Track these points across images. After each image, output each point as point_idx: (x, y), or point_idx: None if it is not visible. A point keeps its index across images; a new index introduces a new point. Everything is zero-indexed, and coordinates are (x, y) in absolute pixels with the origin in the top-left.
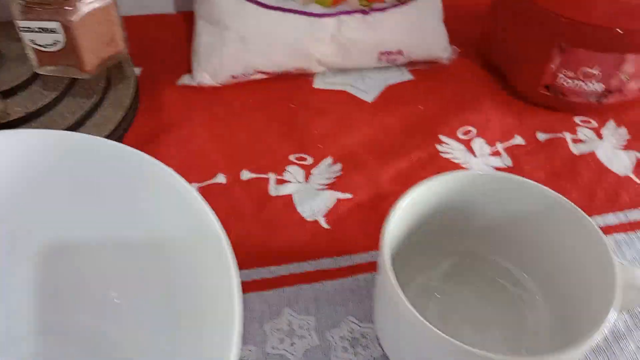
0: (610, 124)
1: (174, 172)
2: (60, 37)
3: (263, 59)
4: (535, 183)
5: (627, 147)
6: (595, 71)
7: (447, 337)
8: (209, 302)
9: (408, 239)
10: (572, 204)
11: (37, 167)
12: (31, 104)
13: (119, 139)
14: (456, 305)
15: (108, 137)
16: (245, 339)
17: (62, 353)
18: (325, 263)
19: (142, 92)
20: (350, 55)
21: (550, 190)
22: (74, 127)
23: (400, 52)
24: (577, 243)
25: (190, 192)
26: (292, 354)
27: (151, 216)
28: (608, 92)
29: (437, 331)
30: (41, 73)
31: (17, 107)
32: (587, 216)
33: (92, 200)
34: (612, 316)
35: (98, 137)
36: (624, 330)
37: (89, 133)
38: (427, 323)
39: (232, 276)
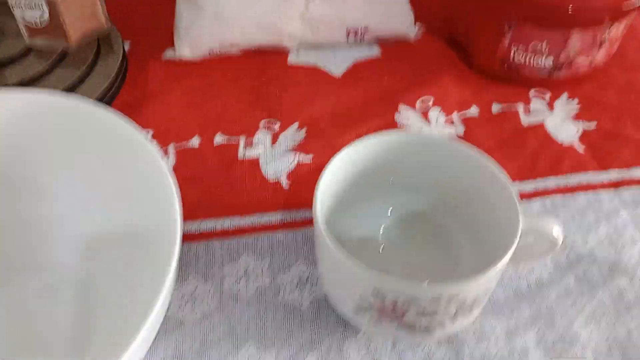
0: (563, 97)
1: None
2: (45, 13)
3: (237, 35)
4: (453, 141)
5: (576, 118)
6: (543, 46)
7: (362, 266)
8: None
9: (346, 196)
10: (485, 156)
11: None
12: (25, 74)
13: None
14: (392, 254)
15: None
16: (205, 279)
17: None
18: (282, 216)
19: (131, 64)
20: (319, 31)
21: (463, 145)
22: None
23: (366, 29)
24: (491, 191)
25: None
26: (246, 292)
27: (107, 160)
28: (558, 66)
29: (356, 262)
30: (30, 45)
31: (13, 76)
32: (496, 168)
33: (56, 146)
34: (509, 254)
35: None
36: (546, 279)
37: None
38: (345, 253)
39: (175, 206)
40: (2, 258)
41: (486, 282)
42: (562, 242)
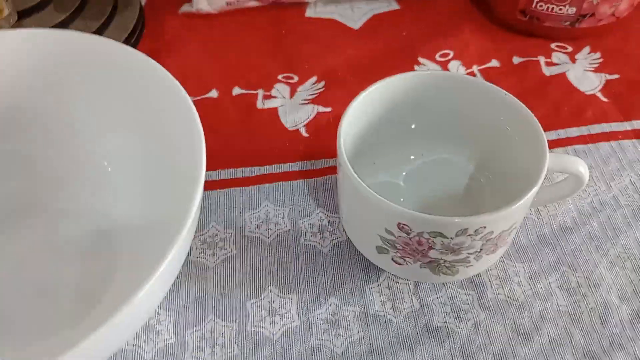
0: (585, 50)
1: (161, 68)
2: None
3: None
4: (476, 78)
5: (597, 70)
6: None
7: (388, 201)
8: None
9: (367, 140)
10: (511, 96)
11: (44, 61)
12: (44, 24)
13: None
14: (414, 202)
15: None
16: (227, 224)
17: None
18: (302, 165)
19: (148, 19)
20: None
21: (489, 83)
22: None
23: None
24: (517, 130)
25: (172, 81)
26: (267, 237)
27: (140, 101)
28: (581, 16)
29: (381, 198)
30: None
31: (31, 25)
32: (523, 105)
33: (92, 88)
34: (536, 188)
35: (94, 36)
36: (570, 225)
37: None
38: (372, 192)
39: (201, 141)
40: (25, 199)
41: (512, 216)
42: (583, 188)
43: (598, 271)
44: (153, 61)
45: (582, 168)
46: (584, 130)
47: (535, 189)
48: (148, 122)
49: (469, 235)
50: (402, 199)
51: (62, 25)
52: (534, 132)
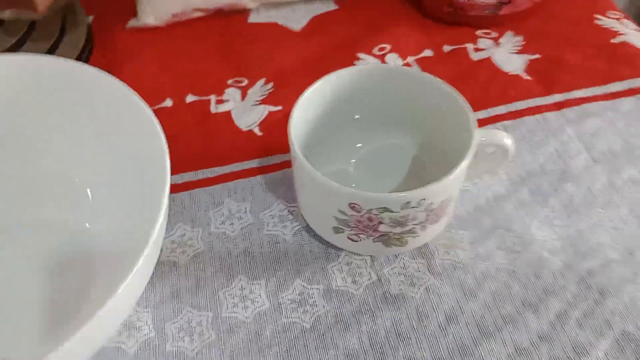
0: (508, 34)
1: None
2: None
3: None
4: (411, 69)
5: (520, 52)
6: None
7: (339, 185)
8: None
9: (317, 132)
10: (443, 81)
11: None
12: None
13: None
14: (364, 182)
15: None
16: (194, 223)
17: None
18: (259, 162)
19: (96, 36)
20: None
21: (423, 72)
22: None
23: None
24: (449, 111)
25: (132, 96)
26: (232, 232)
27: (105, 119)
28: (501, 3)
29: (333, 183)
30: (2, 17)
31: None
32: (454, 89)
33: (56, 111)
34: (468, 159)
35: (58, 57)
36: (503, 193)
37: None
38: (325, 177)
39: (165, 158)
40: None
41: (449, 187)
42: (513, 160)
43: (530, 231)
44: (113, 77)
45: (507, 140)
46: (510, 107)
47: (466, 162)
48: (113, 137)
49: (413, 207)
50: (353, 185)
51: (13, 48)
52: (463, 113)
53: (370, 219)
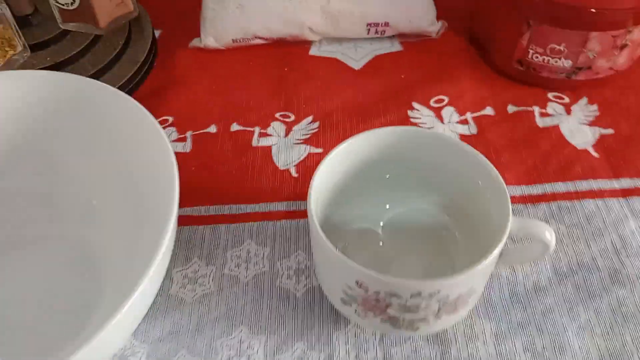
0: (583, 101)
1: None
2: None
3: (260, 26)
4: (449, 137)
5: (592, 124)
6: (562, 47)
7: (345, 258)
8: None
9: (345, 190)
10: (481, 155)
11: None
12: (58, 56)
13: (133, 89)
14: (392, 249)
15: (121, 87)
16: (209, 260)
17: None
18: (287, 205)
19: (160, 51)
20: (339, 25)
21: (461, 142)
22: (93, 78)
23: (387, 24)
24: (486, 190)
25: (146, 115)
26: (245, 277)
27: (117, 137)
28: (577, 68)
29: (339, 255)
30: (64, 28)
31: (48, 58)
32: (492, 167)
33: (73, 128)
34: (492, 256)
35: (76, 75)
36: (544, 284)
37: (106, 83)
38: (335, 250)
39: (174, 177)
40: (18, 229)
41: (468, 282)
42: (562, 248)
43: (566, 336)
44: (137, 103)
45: (547, 234)
46: (570, 186)
47: (490, 258)
48: (127, 161)
49: (423, 297)
50: (380, 243)
51: (75, 57)
52: (501, 195)
53: (377, 300)
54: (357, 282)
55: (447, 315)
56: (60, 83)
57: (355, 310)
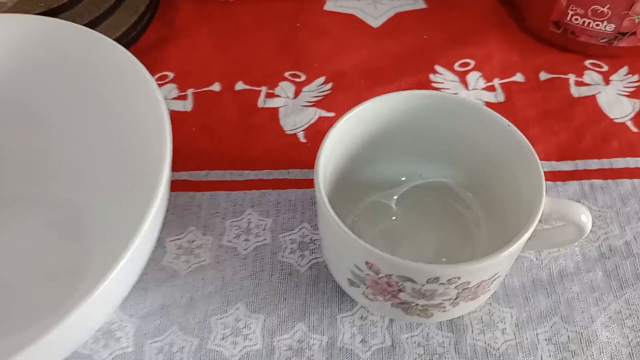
0: (622, 70)
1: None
2: None
3: None
4: (478, 104)
5: (632, 95)
6: (605, 9)
7: (356, 238)
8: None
9: (358, 158)
10: (512, 125)
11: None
12: (52, 2)
13: (131, 42)
14: (404, 227)
15: (119, 39)
16: (205, 230)
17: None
18: (294, 173)
19: (162, 0)
20: None
21: (490, 109)
22: (89, 27)
23: None
24: (516, 166)
25: (148, 80)
26: (244, 249)
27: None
28: (620, 33)
29: (349, 233)
30: None
31: (39, 3)
32: (523, 137)
33: (61, 75)
34: (522, 241)
35: (63, 21)
36: (571, 270)
37: (102, 33)
38: (345, 228)
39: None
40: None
41: (492, 268)
42: (593, 230)
43: (594, 327)
44: (132, 57)
45: (584, 217)
46: (605, 163)
47: (519, 243)
48: (117, 117)
49: (441, 283)
50: (394, 218)
51: (71, 3)
52: (533, 174)
53: (389, 284)
54: (367, 264)
55: (465, 302)
56: (46, 29)
57: (364, 293)
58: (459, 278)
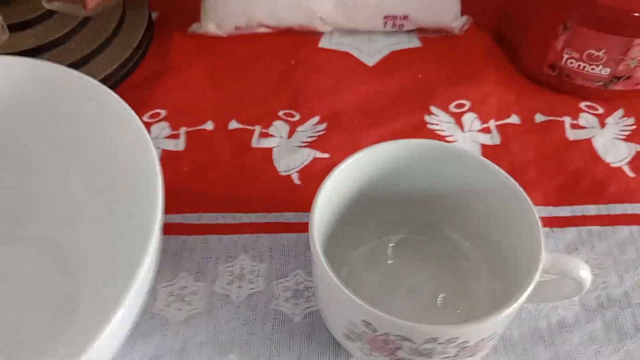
0: (618, 113)
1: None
2: None
3: (266, 13)
4: (472, 153)
5: (628, 139)
6: (600, 54)
7: (352, 296)
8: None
9: (353, 207)
10: (510, 178)
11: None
12: (43, 38)
13: (124, 76)
14: (400, 273)
15: (111, 74)
16: (197, 276)
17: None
18: (287, 216)
19: (156, 35)
20: (354, 16)
21: (487, 161)
22: (81, 63)
23: (406, 18)
24: (514, 217)
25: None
26: (237, 297)
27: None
28: (615, 77)
29: (345, 291)
30: (49, 8)
31: (29, 39)
32: (522, 190)
33: (48, 118)
34: (521, 299)
35: (50, 63)
36: (570, 321)
37: (95, 69)
38: (341, 285)
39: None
40: None
41: (491, 328)
42: (589, 284)
43: None
44: (118, 98)
45: (583, 273)
46: (602, 209)
47: (518, 302)
48: (106, 160)
49: (440, 343)
50: (390, 261)
51: (62, 39)
52: (532, 229)
53: (386, 342)
54: (364, 322)
55: (464, 359)
56: (33, 71)
57: (360, 348)
58: (458, 338)
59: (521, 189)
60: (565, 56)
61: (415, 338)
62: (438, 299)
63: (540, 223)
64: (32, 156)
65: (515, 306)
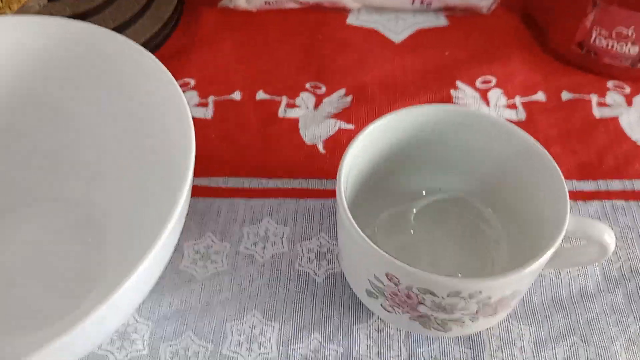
0: None
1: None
2: None
3: None
4: (498, 118)
5: None
6: (630, 32)
7: (377, 249)
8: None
9: (378, 171)
10: (538, 143)
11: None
12: (77, 8)
13: (154, 49)
14: (420, 247)
15: (143, 45)
16: (224, 236)
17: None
18: (312, 183)
19: (186, 9)
20: None
21: (513, 125)
22: None
23: None
24: (539, 182)
25: (171, 81)
26: (261, 256)
27: (133, 96)
28: None
29: (370, 244)
30: None
31: (64, 8)
32: (547, 154)
33: (84, 78)
34: (545, 257)
35: (91, 24)
36: (591, 290)
37: None
38: (365, 238)
39: (191, 136)
40: (15, 189)
41: (514, 284)
42: (614, 250)
43: (613, 348)
44: (158, 62)
45: (607, 237)
46: (627, 184)
47: (541, 260)
48: (141, 118)
49: (462, 297)
50: (412, 232)
51: (96, 10)
52: (557, 191)
53: (408, 296)
54: (387, 275)
55: (484, 317)
56: (74, 32)
57: (382, 304)
58: (481, 292)
59: (547, 153)
60: (594, 34)
61: (438, 291)
62: (459, 275)
63: (565, 186)
64: (69, 115)
65: (539, 263)
